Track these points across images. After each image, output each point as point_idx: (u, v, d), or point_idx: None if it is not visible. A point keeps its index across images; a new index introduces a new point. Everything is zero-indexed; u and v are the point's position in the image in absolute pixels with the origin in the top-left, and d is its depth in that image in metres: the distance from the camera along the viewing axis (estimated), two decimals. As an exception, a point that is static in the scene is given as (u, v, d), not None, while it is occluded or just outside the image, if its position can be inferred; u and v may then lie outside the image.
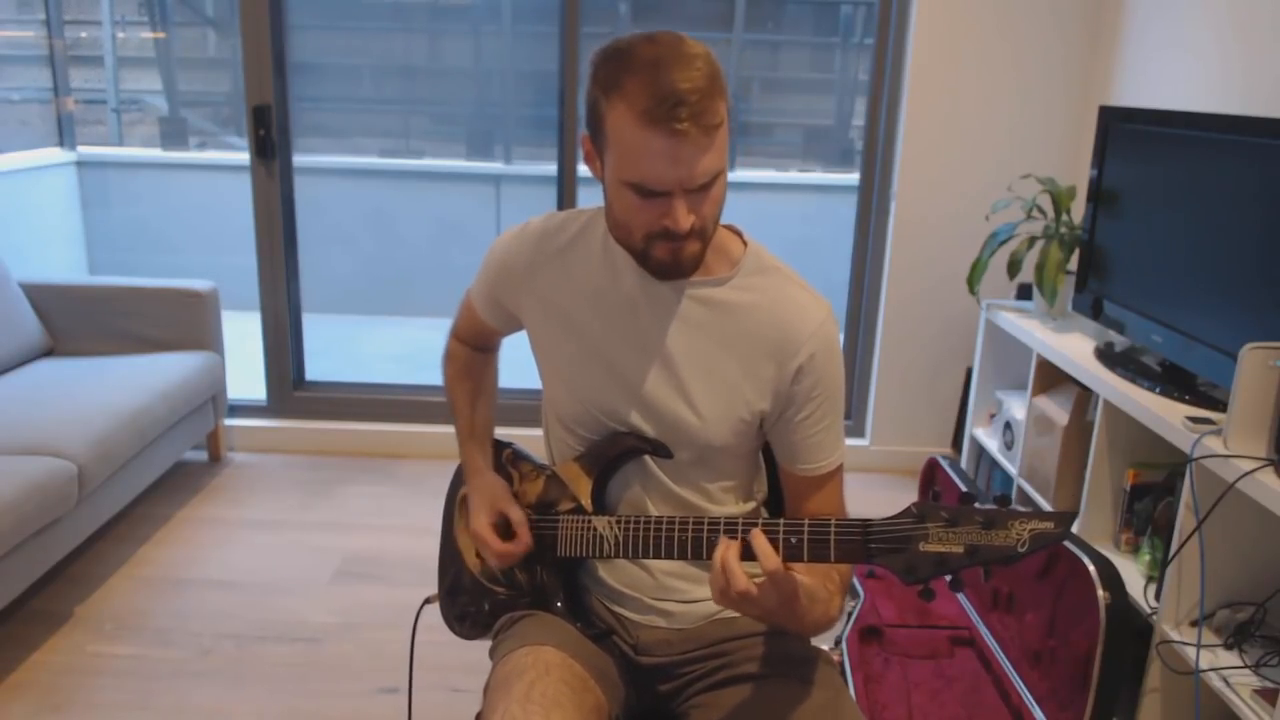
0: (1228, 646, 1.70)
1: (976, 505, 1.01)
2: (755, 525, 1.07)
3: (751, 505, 1.33)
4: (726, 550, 1.03)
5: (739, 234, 1.26)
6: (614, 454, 1.25)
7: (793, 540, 1.06)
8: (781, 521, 1.07)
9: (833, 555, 1.05)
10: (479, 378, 1.47)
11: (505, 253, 1.30)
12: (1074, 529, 2.20)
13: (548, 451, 1.38)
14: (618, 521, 1.21)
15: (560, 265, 1.26)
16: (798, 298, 1.22)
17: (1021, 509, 0.99)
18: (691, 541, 1.15)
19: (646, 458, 1.25)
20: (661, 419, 1.22)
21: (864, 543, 1.04)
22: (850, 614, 2.28)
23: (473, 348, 1.47)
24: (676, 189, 1.07)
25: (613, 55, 1.07)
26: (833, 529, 1.05)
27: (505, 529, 1.32)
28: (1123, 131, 2.30)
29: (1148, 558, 2.02)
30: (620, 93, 1.05)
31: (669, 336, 1.21)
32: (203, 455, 3.24)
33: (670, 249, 1.11)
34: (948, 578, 1.03)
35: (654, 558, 1.20)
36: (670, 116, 1.02)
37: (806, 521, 1.06)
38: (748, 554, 1.05)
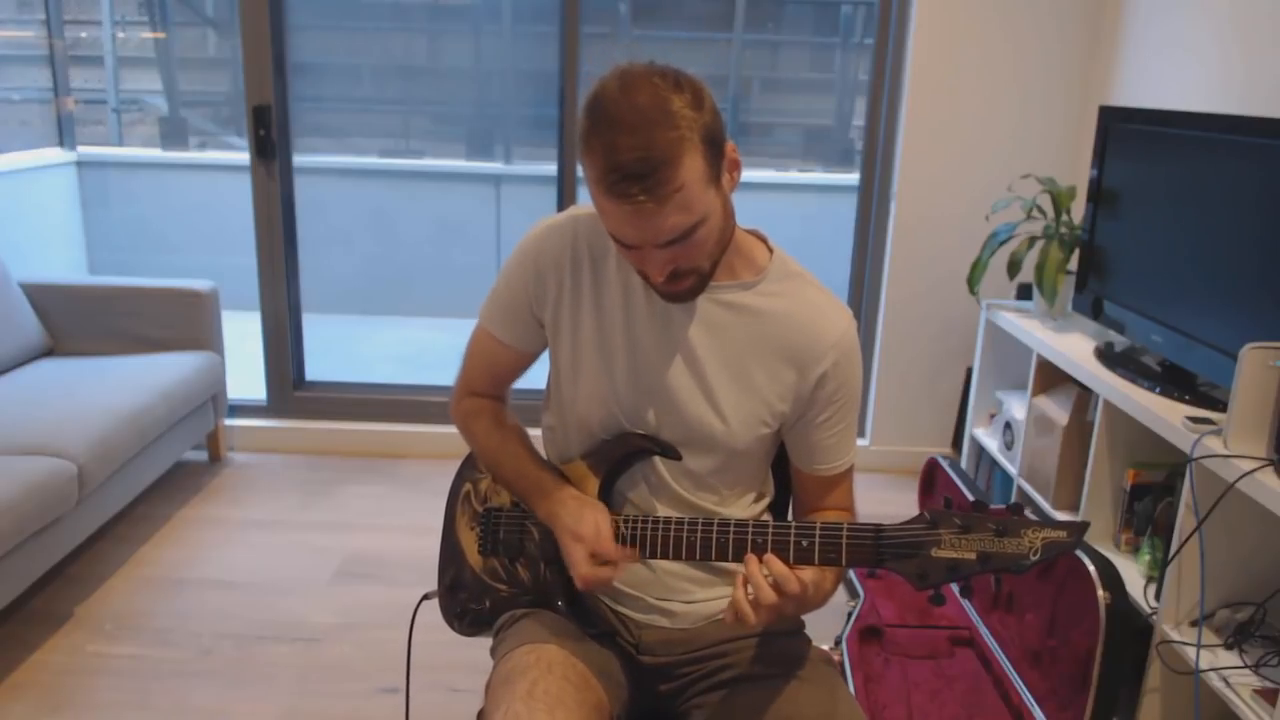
0: (1228, 646, 1.70)
1: (989, 512, 1.02)
2: (765, 529, 1.07)
3: (759, 506, 1.33)
4: (738, 584, 1.06)
5: (764, 239, 1.27)
6: (621, 454, 1.25)
7: (803, 544, 1.07)
8: (793, 524, 1.08)
9: (844, 560, 1.06)
10: (510, 424, 1.38)
11: (540, 243, 1.27)
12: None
13: (550, 451, 1.38)
14: (624, 522, 1.21)
15: (592, 261, 1.26)
16: (822, 305, 1.23)
17: (1034, 518, 1.00)
18: (700, 543, 1.15)
19: (655, 459, 1.25)
20: (685, 422, 1.23)
21: (876, 548, 1.05)
22: (850, 614, 2.28)
23: (489, 397, 1.40)
24: (648, 245, 1.07)
25: (590, 105, 1.05)
26: (845, 534, 1.06)
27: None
28: (1123, 131, 2.30)
29: (1148, 558, 2.02)
30: (587, 152, 1.04)
31: (694, 339, 1.22)
32: (203, 455, 3.24)
33: (666, 285, 1.13)
34: (957, 585, 1.03)
35: (660, 559, 1.20)
36: (621, 192, 1.02)
37: (818, 525, 1.07)
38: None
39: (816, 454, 1.25)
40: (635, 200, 1.02)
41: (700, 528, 1.15)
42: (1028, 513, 1.01)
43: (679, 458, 1.24)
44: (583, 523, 1.18)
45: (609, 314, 1.25)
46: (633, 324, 1.23)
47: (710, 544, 1.14)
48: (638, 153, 1.00)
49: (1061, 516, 2.33)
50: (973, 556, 1.00)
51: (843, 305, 1.25)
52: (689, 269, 1.11)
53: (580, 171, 3.18)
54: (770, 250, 1.26)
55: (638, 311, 1.23)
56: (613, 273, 1.25)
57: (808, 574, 1.07)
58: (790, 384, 1.21)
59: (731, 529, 1.13)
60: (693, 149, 1.03)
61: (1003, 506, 1.02)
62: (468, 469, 1.44)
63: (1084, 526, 0.99)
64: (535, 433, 1.39)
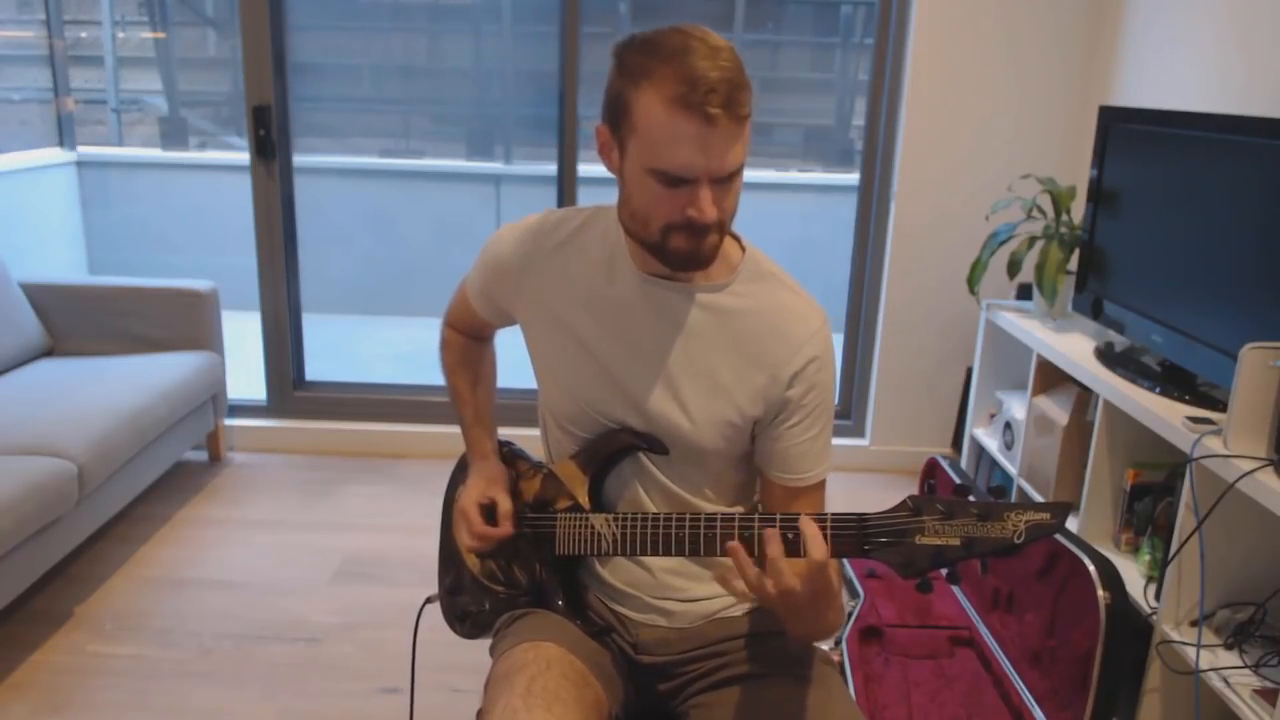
0: (1228, 646, 1.70)
1: (972, 498, 1.02)
2: (751, 522, 1.07)
3: (744, 508, 1.33)
4: (776, 547, 1.03)
5: (737, 239, 1.26)
6: (610, 451, 1.25)
7: (789, 535, 1.06)
8: (778, 516, 1.07)
9: (829, 550, 1.05)
10: (477, 365, 1.48)
11: (501, 249, 1.30)
12: (1074, 529, 2.20)
13: (545, 450, 1.38)
14: (615, 519, 1.21)
15: (555, 264, 1.26)
16: (794, 305, 1.21)
17: (1016, 501, 1.00)
18: (689, 538, 1.15)
19: (642, 455, 1.25)
20: (653, 421, 1.22)
21: (860, 537, 1.04)
22: (850, 614, 2.27)
23: (467, 336, 1.47)
24: (704, 177, 1.06)
25: (639, 44, 1.07)
26: (829, 524, 1.05)
27: (491, 515, 1.33)
28: (1123, 131, 2.30)
29: (1148, 558, 2.02)
30: (650, 80, 1.04)
31: (663, 339, 1.21)
32: (203, 455, 3.24)
33: (690, 240, 1.10)
34: (945, 571, 1.03)
35: (652, 555, 1.20)
36: (704, 102, 1.01)
37: (801, 517, 1.06)
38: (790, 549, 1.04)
39: (783, 462, 1.22)
40: (713, 110, 1.01)
41: (689, 523, 1.15)
42: (1011, 499, 1.01)
43: (665, 452, 1.23)
44: (465, 498, 1.34)
45: (574, 315, 1.24)
46: (600, 324, 1.23)
47: (698, 539, 1.14)
48: (722, 72, 1.02)
49: (1061, 516, 2.33)
50: (957, 542, 1.00)
51: (816, 306, 1.23)
52: (720, 221, 1.10)
53: (579, 170, 3.19)
54: (743, 249, 1.25)
55: (605, 312, 1.23)
56: (579, 273, 1.24)
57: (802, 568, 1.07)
58: (761, 386, 1.20)
59: (719, 522, 1.13)
60: (750, 88, 1.06)
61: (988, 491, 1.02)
62: (461, 472, 1.45)
63: (1066, 507, 0.99)
64: (535, 433, 1.39)
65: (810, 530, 1.02)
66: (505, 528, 1.31)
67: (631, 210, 1.14)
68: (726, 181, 1.08)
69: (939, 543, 1.00)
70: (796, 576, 1.02)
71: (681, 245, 1.11)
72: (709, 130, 1.03)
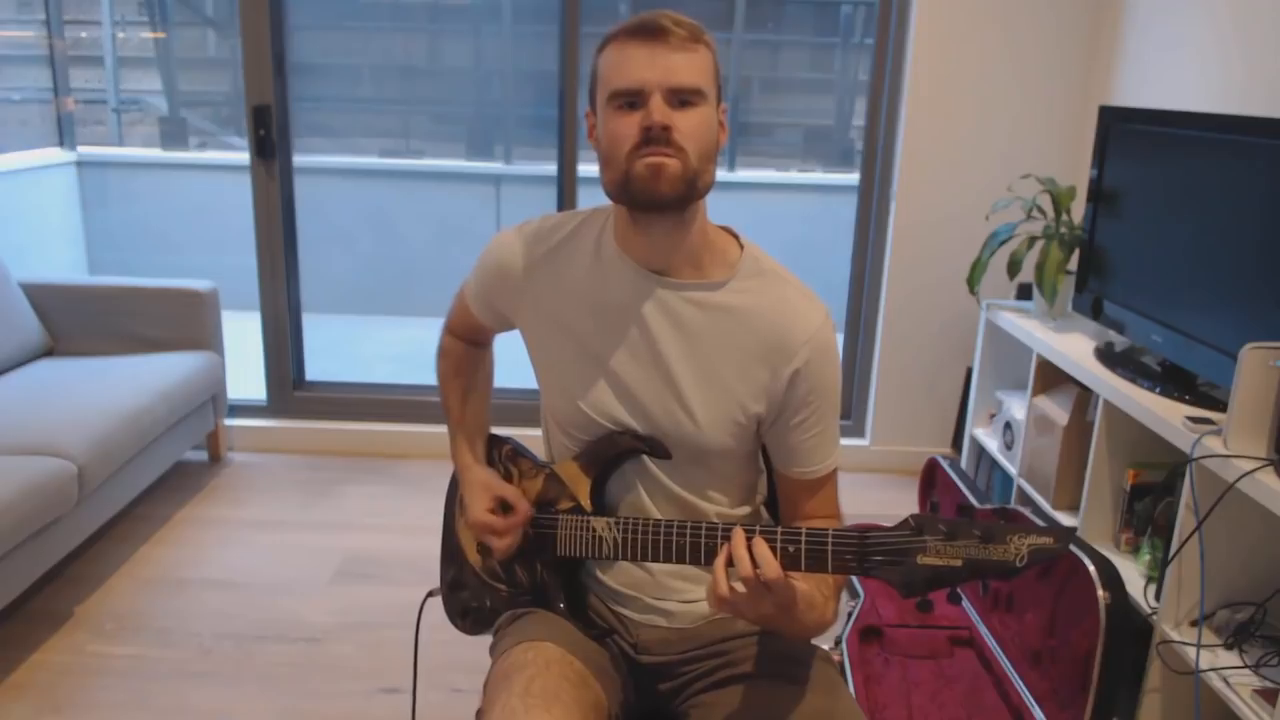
0: (1228, 646, 1.70)
1: (975, 517, 1.01)
2: (754, 531, 1.07)
3: (749, 509, 1.33)
4: (720, 554, 1.05)
5: (735, 236, 1.26)
6: (612, 454, 1.25)
7: (790, 549, 1.06)
8: (779, 530, 1.06)
9: (830, 566, 1.05)
10: (472, 374, 1.47)
11: (499, 253, 1.30)
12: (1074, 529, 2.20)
13: (547, 451, 1.38)
14: (617, 523, 1.21)
15: (553, 266, 1.26)
16: (794, 302, 1.21)
17: (1021, 519, 1.00)
18: (690, 546, 1.15)
19: (645, 458, 1.25)
20: (656, 423, 1.22)
21: (861, 555, 1.04)
22: (850, 614, 2.28)
23: (466, 342, 1.47)
24: (655, 88, 1.10)
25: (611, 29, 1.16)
26: (830, 540, 1.05)
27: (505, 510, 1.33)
28: (1123, 131, 2.30)
29: (1148, 558, 2.02)
30: (610, 38, 1.14)
31: (664, 340, 1.21)
32: (203, 455, 3.24)
33: (651, 164, 1.09)
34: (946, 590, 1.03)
35: (653, 561, 1.20)
36: (653, 27, 1.10)
37: (804, 531, 1.06)
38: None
39: (795, 457, 1.24)
40: (660, 35, 1.10)
41: (690, 531, 1.15)
42: (1022, 510, 1.01)
43: (669, 456, 1.23)
44: (474, 512, 1.32)
45: (573, 318, 1.24)
46: (599, 327, 1.23)
47: (699, 547, 1.14)
48: (673, 14, 1.12)
49: (1061, 516, 2.33)
50: (959, 563, 0.99)
51: (818, 302, 1.23)
52: (680, 145, 1.10)
53: (579, 170, 3.19)
54: (741, 247, 1.25)
55: (604, 314, 1.23)
56: (577, 276, 1.24)
57: (802, 586, 1.07)
58: (763, 383, 1.20)
59: (719, 533, 1.13)
60: (709, 48, 1.14)
61: (989, 509, 1.02)
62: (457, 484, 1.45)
63: (1070, 532, 0.99)
64: (535, 433, 1.39)
65: (760, 550, 1.03)
66: (523, 509, 1.30)
67: (605, 157, 1.15)
68: (681, 103, 1.11)
69: (940, 563, 0.99)
70: (768, 588, 1.02)
71: (644, 171, 1.10)
72: (657, 45, 1.10)
